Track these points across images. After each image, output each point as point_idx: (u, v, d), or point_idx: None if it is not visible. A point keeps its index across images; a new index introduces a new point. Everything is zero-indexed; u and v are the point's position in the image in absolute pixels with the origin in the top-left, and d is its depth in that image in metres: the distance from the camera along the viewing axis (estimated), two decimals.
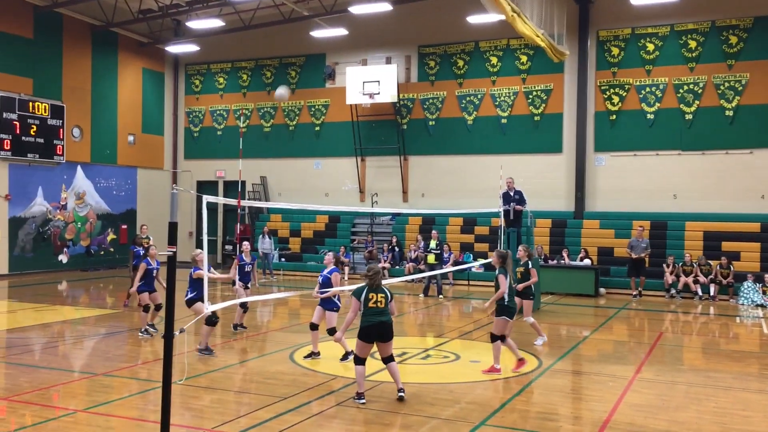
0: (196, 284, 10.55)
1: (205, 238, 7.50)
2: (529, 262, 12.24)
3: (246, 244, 13.58)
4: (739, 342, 13.46)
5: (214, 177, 28.42)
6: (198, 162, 28.86)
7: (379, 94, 24.20)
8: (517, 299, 11.16)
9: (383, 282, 8.46)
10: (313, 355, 10.52)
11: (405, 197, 25.28)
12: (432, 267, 18.80)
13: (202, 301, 10.58)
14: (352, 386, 8.77)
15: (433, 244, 19.34)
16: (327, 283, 10.45)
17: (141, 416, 7.64)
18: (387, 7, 22.25)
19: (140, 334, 12.33)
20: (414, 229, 24.33)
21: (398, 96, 24.67)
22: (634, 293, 19.38)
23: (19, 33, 23.02)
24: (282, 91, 25.69)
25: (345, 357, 10.27)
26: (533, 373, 9.95)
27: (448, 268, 19.71)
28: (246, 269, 13.18)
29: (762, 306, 17.76)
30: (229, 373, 9.82)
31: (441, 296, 18.91)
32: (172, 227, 5.94)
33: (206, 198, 6.98)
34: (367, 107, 25.13)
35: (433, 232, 20.08)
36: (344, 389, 8.79)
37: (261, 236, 23.58)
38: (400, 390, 8.20)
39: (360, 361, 8.18)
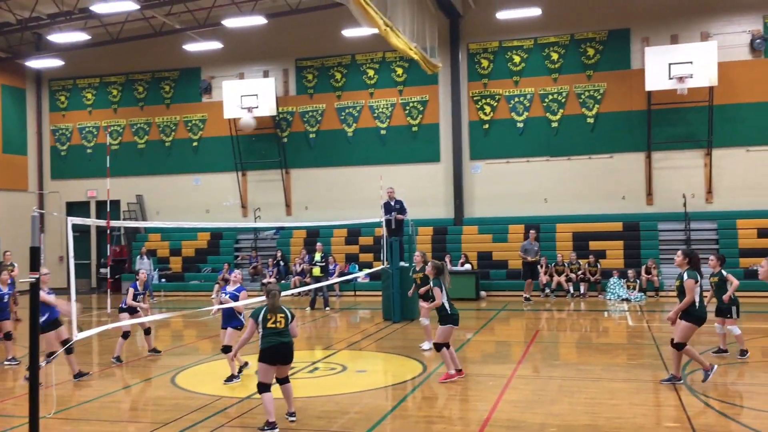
0: (44, 308, 9.71)
1: (71, 261, 7.12)
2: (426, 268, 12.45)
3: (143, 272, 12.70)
4: (608, 335, 14.34)
5: (86, 197, 27.09)
6: (67, 182, 27.39)
7: (257, 107, 23.98)
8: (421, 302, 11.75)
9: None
10: (234, 378, 10.06)
11: (288, 210, 25.15)
12: (318, 280, 18.79)
13: (54, 327, 10.10)
14: (237, 406, 8.61)
15: (317, 256, 19.37)
16: (234, 301, 10.22)
17: None
18: (261, 20, 22.12)
19: (6, 363, 11.65)
20: (299, 243, 24.23)
21: (277, 109, 24.54)
22: (527, 296, 19.53)
23: None
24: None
25: (230, 379, 10.05)
26: (419, 378, 10.16)
27: (334, 280, 19.78)
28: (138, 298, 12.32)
29: (627, 300, 18.99)
30: (106, 403, 9.37)
31: (328, 308, 18.93)
32: (34, 252, 5.64)
33: (71, 220, 6.66)
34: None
35: (318, 244, 20.11)
36: (228, 410, 8.61)
37: (139, 257, 22.68)
38: (291, 414, 7.87)
39: (265, 387, 7.60)
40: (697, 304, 8.94)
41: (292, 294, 20.74)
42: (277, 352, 7.67)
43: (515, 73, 23.11)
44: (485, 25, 23.01)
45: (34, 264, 5.61)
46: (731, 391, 9.18)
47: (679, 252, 9.37)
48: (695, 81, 20.34)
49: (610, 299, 19.26)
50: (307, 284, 19.95)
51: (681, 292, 9.04)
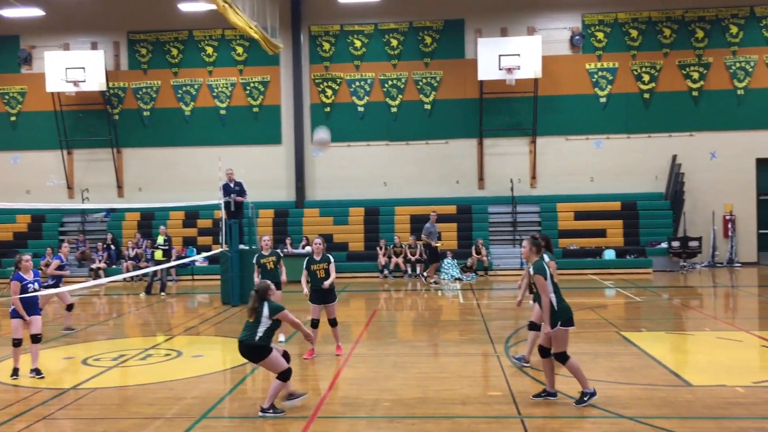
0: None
1: None
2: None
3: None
4: (441, 313, 15.04)
5: None
6: None
7: (84, 81, 22.48)
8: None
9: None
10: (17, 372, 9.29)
11: (120, 192, 23.88)
12: (159, 263, 18.02)
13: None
14: (59, 398, 8.14)
15: (161, 239, 18.56)
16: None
17: None
18: None
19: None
20: (132, 226, 23.10)
21: (107, 84, 23.15)
22: (433, 280, 19.28)
23: None
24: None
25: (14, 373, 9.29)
26: None
27: (172, 263, 19.07)
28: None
29: (459, 279, 19.99)
30: None
31: (163, 294, 18.25)
32: None
33: None
34: (72, 96, 23.17)
35: (161, 227, 19.22)
36: (52, 401, 8.11)
37: None
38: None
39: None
40: (554, 301, 7.31)
41: (124, 279, 19.82)
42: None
43: (356, 58, 23.40)
44: (327, 7, 23.05)
45: None
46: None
47: (524, 241, 7.82)
48: (522, 73, 21.69)
49: (444, 279, 20.16)
50: (141, 269, 19.09)
51: (535, 289, 7.51)
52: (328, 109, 23.50)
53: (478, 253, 20.79)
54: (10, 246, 23.17)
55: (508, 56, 21.59)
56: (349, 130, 23.38)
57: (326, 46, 23.48)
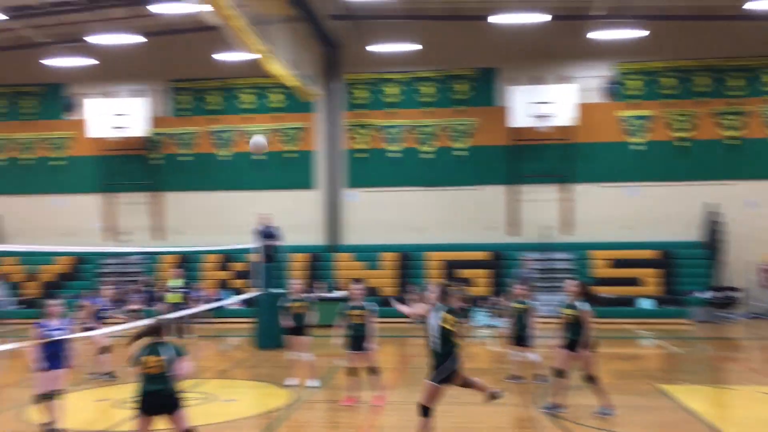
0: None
1: None
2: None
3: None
4: (473, 360, 14.85)
5: None
6: None
7: (127, 128, 23.17)
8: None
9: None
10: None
11: (157, 234, 24.31)
12: (176, 306, 18.03)
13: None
14: None
15: (173, 282, 18.52)
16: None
17: None
18: (134, 38, 21.52)
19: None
20: (166, 268, 23.39)
21: (149, 131, 23.83)
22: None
23: None
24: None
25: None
26: (293, 405, 10.09)
27: (201, 307, 19.04)
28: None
29: (491, 326, 19.73)
30: None
31: (187, 336, 18.01)
32: None
33: None
34: (114, 141, 23.85)
35: (174, 270, 19.24)
36: None
37: None
38: None
39: None
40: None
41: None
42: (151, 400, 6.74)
43: (390, 105, 23.78)
44: (362, 57, 23.52)
45: None
46: (585, 409, 9.77)
47: (571, 281, 9.42)
48: (555, 120, 21.80)
49: (476, 326, 19.93)
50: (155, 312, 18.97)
51: (573, 321, 9.04)
52: (361, 155, 23.81)
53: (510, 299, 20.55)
54: (52, 287, 23.63)
55: (541, 104, 21.75)
56: (382, 175, 23.62)
57: (361, 93, 23.92)
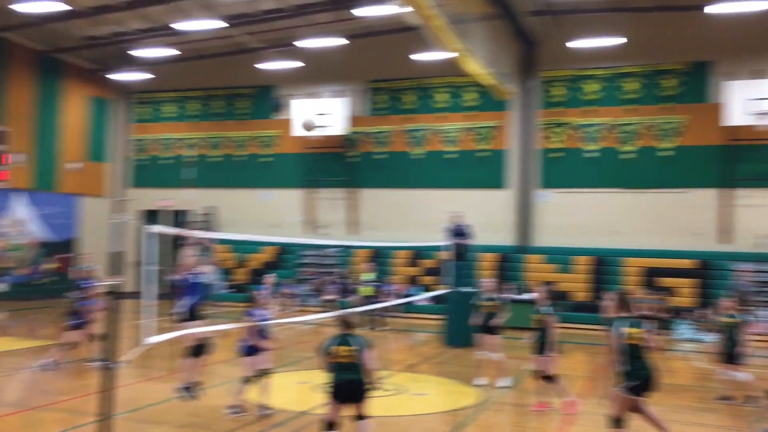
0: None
1: (147, 267, 7.38)
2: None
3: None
4: (672, 375, 13.84)
5: (160, 206, 27.97)
6: (144, 190, 28.38)
7: (326, 127, 24.41)
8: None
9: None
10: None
11: (353, 229, 25.37)
12: (368, 299, 18.70)
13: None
14: (288, 423, 8.70)
15: (365, 276, 19.26)
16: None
17: None
18: (338, 41, 22.57)
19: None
20: (359, 262, 24.36)
21: (348, 129, 24.92)
22: None
23: None
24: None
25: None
26: (481, 405, 10.04)
27: (392, 301, 19.66)
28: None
29: (695, 341, 18.29)
30: (171, 407, 9.61)
31: (374, 329, 18.63)
32: (115, 257, 5.88)
33: (156, 228, 6.92)
34: (317, 140, 25.26)
35: (366, 265, 19.94)
36: (287, 423, 8.71)
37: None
38: None
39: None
40: None
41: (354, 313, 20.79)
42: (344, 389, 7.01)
43: (588, 103, 22.82)
44: (560, 53, 22.78)
45: (116, 268, 5.85)
46: None
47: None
48: None
49: (679, 339, 18.60)
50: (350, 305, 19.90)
51: None
52: (556, 154, 23.10)
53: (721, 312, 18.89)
54: (258, 273, 25.58)
55: (763, 100, 19.69)
56: (577, 176, 22.74)
57: (557, 90, 23.21)
